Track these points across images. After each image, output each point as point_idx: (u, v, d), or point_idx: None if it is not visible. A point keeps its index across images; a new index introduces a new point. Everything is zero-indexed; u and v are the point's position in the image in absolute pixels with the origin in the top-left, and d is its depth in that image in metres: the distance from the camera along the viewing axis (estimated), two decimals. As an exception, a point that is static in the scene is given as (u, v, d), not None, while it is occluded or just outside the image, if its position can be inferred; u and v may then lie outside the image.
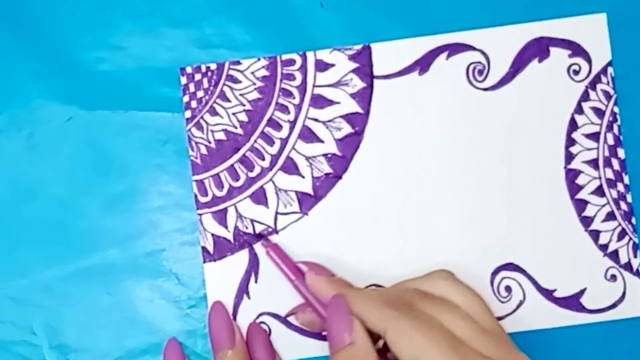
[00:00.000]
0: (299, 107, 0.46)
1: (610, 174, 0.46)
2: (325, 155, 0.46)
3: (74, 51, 0.47)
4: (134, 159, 0.46)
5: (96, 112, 0.46)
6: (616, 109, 0.46)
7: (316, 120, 0.46)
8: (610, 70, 0.46)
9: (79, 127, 0.46)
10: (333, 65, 0.46)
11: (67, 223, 0.46)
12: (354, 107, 0.46)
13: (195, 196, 0.46)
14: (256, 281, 0.45)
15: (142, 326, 0.45)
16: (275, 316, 0.45)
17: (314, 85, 0.46)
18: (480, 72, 0.46)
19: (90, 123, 0.46)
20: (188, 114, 0.46)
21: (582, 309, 0.45)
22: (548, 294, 0.45)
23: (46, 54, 0.47)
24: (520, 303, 0.45)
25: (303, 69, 0.46)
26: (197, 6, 0.46)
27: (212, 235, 0.46)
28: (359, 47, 0.46)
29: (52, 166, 0.46)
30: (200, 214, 0.46)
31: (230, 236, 0.46)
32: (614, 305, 0.45)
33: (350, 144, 0.46)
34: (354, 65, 0.46)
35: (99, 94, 0.46)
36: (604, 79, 0.46)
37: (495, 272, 0.45)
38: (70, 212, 0.46)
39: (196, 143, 0.46)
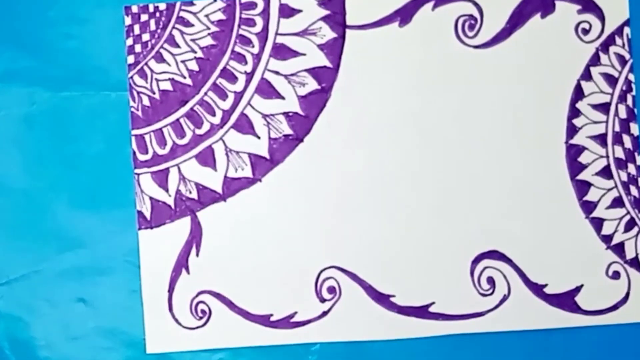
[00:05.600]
0: (257, 57, 0.43)
1: (620, 153, 0.42)
2: (285, 113, 0.43)
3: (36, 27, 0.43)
4: (107, 147, 0.43)
5: (63, 94, 0.43)
6: (631, 77, 0.43)
7: (277, 73, 0.43)
8: (626, 30, 0.43)
9: (45, 112, 0.43)
10: (300, 11, 0.43)
11: (33, 221, 0.43)
12: (322, 60, 0.43)
13: (134, 153, 0.43)
14: (197, 254, 0.42)
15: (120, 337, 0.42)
16: (218, 296, 0.42)
17: (277, 33, 0.43)
18: (472, 27, 0.43)
19: (57, 107, 0.43)
20: (131, 59, 0.43)
21: (577, 309, 0.42)
22: (538, 289, 0.42)
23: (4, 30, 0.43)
24: (504, 298, 0.42)
25: (265, 13, 0.43)
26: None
27: (150, 198, 0.43)
28: None
29: (15, 158, 0.43)
30: (137, 174, 0.43)
31: (170, 201, 0.43)
32: (615, 307, 0.42)
33: (315, 103, 0.43)
34: (324, 12, 0.43)
35: (66, 74, 0.43)
36: (618, 41, 0.42)
37: (476, 261, 0.42)
38: (36, 210, 0.43)
39: (138, 93, 0.43)
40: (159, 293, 0.42)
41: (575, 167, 0.42)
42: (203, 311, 0.42)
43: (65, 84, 0.43)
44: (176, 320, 0.42)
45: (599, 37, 0.42)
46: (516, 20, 0.42)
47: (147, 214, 0.42)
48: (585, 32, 0.42)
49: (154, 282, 0.42)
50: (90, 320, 0.42)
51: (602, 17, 0.42)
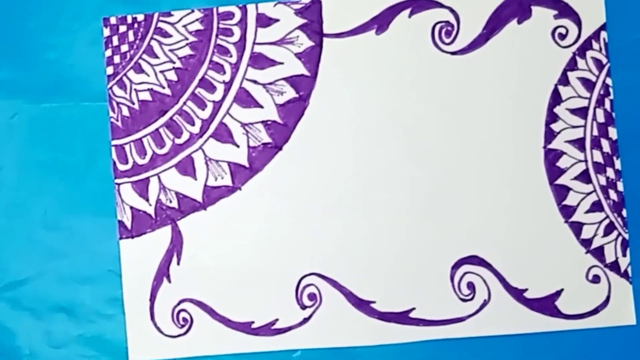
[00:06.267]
0: (236, 67, 0.43)
1: (598, 157, 0.42)
2: (264, 122, 0.43)
3: (16, 38, 0.43)
4: (88, 157, 0.43)
5: (43, 105, 0.43)
6: (609, 81, 0.42)
7: (255, 82, 0.43)
8: (603, 34, 0.42)
9: (26, 123, 0.43)
10: (277, 20, 0.43)
11: (15, 232, 0.43)
12: (300, 68, 0.43)
13: (114, 163, 0.43)
14: (178, 263, 0.42)
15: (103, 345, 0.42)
16: (199, 304, 0.42)
17: (254, 43, 0.43)
18: (448, 33, 0.42)
19: (38, 118, 0.43)
20: (110, 70, 0.43)
21: (557, 313, 0.42)
22: (518, 294, 0.42)
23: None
24: (485, 303, 0.42)
25: (242, 23, 0.43)
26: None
27: (131, 208, 0.43)
28: (307, 0, 0.43)
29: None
30: (118, 184, 0.43)
31: (151, 210, 0.43)
32: (595, 311, 0.42)
33: (294, 111, 0.43)
34: (301, 21, 0.43)
35: (46, 85, 0.43)
36: (595, 45, 0.42)
37: (456, 266, 0.42)
38: (18, 220, 0.43)
39: (117, 103, 0.43)
40: (140, 302, 0.42)
41: (553, 171, 0.42)
42: (185, 319, 0.42)
43: (46, 95, 0.42)
44: (158, 329, 0.42)
45: (575, 41, 0.42)
46: (493, 26, 0.42)
47: (128, 224, 0.42)
48: (562, 36, 0.42)
49: (135, 291, 0.42)
50: (73, 329, 0.42)
51: (578, 22, 0.42)
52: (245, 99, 0.42)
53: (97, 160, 0.42)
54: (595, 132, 0.42)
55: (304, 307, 0.41)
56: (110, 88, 0.42)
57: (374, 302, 0.41)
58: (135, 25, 0.42)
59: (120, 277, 0.42)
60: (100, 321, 0.42)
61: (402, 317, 0.41)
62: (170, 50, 0.42)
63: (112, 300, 0.42)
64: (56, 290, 0.42)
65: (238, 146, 0.42)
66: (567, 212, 0.41)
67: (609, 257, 0.41)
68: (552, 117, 0.42)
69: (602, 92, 0.42)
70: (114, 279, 0.42)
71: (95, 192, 0.42)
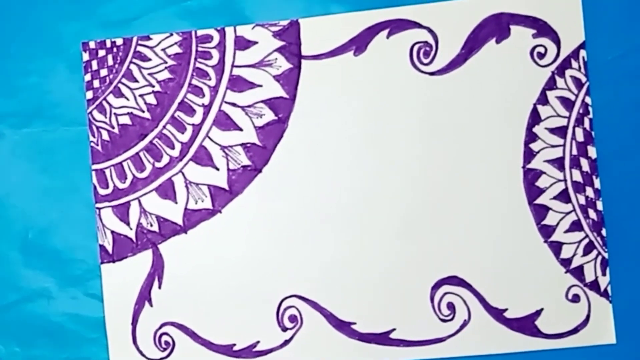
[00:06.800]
0: (215, 90, 0.43)
1: (577, 176, 0.42)
2: (243, 145, 0.42)
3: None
4: (68, 182, 0.43)
5: (24, 130, 0.43)
6: (588, 100, 0.42)
7: (234, 105, 0.43)
8: (582, 53, 0.42)
9: (7, 149, 0.43)
10: (255, 42, 0.43)
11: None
12: (278, 91, 0.42)
13: (95, 188, 0.43)
14: (160, 286, 0.42)
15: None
16: (181, 327, 0.42)
17: (233, 65, 0.43)
18: (427, 54, 0.42)
19: (19, 144, 0.43)
20: (89, 94, 0.43)
21: (537, 332, 0.42)
22: (498, 313, 0.42)
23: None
24: (465, 323, 0.42)
25: (221, 46, 0.43)
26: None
27: (112, 232, 0.42)
28: (285, 22, 0.42)
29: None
30: (99, 208, 0.42)
31: (132, 234, 0.43)
32: (575, 330, 0.42)
33: (273, 133, 0.42)
34: (280, 43, 0.43)
35: (27, 110, 0.43)
36: (574, 64, 0.42)
37: (436, 286, 0.42)
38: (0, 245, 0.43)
39: (97, 128, 0.43)
40: (122, 326, 0.42)
41: (533, 191, 0.41)
42: (167, 342, 0.42)
43: (26, 120, 0.42)
44: (140, 352, 0.42)
45: (554, 60, 0.42)
46: (471, 45, 0.41)
47: (109, 248, 0.42)
48: (541, 55, 0.41)
49: (117, 315, 0.42)
50: (57, 353, 0.42)
51: (557, 41, 0.41)
52: (225, 122, 0.42)
53: (78, 184, 0.42)
54: (575, 152, 0.41)
55: (285, 329, 0.41)
56: (90, 112, 0.42)
57: (354, 323, 0.41)
58: (114, 50, 0.42)
59: (102, 301, 0.42)
60: (83, 345, 0.42)
61: (383, 338, 0.41)
62: (150, 74, 0.42)
63: (94, 324, 0.42)
64: (39, 316, 0.42)
65: (218, 169, 0.42)
66: (547, 231, 0.41)
67: (589, 277, 0.41)
68: (531, 137, 0.41)
69: (581, 111, 0.41)
70: (96, 304, 0.42)
71: (76, 217, 0.42)
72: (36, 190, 0.42)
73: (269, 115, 0.42)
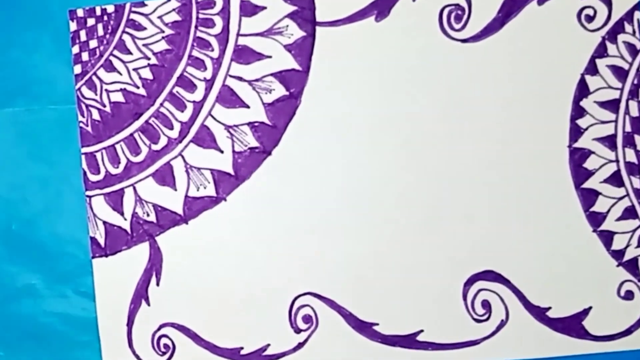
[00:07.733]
0: (218, 62, 0.41)
1: (631, 156, 0.40)
2: (250, 124, 0.41)
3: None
4: (55, 167, 0.41)
5: (5, 110, 0.41)
6: None
7: (240, 79, 0.41)
8: (637, 15, 0.41)
9: None
10: (264, 8, 0.41)
11: None
12: (290, 62, 0.41)
13: (85, 173, 0.41)
14: (158, 283, 0.41)
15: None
16: (182, 328, 0.41)
17: (239, 34, 0.41)
18: (459, 18, 0.41)
19: (1, 125, 0.41)
20: (78, 69, 0.42)
21: (585, 334, 0.40)
22: (540, 313, 0.40)
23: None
24: (502, 324, 0.41)
25: (225, 12, 0.42)
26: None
27: (104, 223, 0.41)
28: None
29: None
30: (89, 196, 0.41)
31: (126, 225, 0.42)
32: (628, 332, 0.40)
33: (284, 111, 0.41)
34: (291, 8, 0.41)
35: (9, 88, 0.41)
36: (628, 28, 0.40)
37: (469, 282, 0.41)
38: None
39: (87, 106, 0.42)
40: (117, 327, 0.41)
41: (580, 173, 0.40)
42: (166, 345, 0.41)
43: (8, 98, 0.41)
44: (137, 356, 0.41)
45: (605, 24, 0.40)
46: (509, 8, 0.40)
47: (101, 241, 0.41)
48: (590, 19, 0.40)
49: (111, 315, 0.41)
50: (46, 359, 0.41)
51: (608, 1, 0.40)
52: (229, 99, 0.41)
53: (66, 170, 0.41)
54: (628, 128, 0.40)
55: (298, 331, 0.40)
56: (79, 89, 0.41)
57: (376, 324, 0.40)
58: (105, 18, 0.41)
59: (94, 300, 0.40)
60: (74, 348, 0.40)
61: (409, 341, 0.40)
62: (145, 45, 0.41)
63: (86, 325, 0.40)
64: (25, 315, 0.41)
65: (222, 152, 0.41)
66: (596, 219, 0.40)
67: (645, 271, 0.40)
68: (578, 112, 0.40)
69: (635, 82, 0.40)
70: (88, 303, 0.40)
71: (64, 206, 0.41)
72: (20, 177, 0.41)
73: (280, 91, 0.41)
